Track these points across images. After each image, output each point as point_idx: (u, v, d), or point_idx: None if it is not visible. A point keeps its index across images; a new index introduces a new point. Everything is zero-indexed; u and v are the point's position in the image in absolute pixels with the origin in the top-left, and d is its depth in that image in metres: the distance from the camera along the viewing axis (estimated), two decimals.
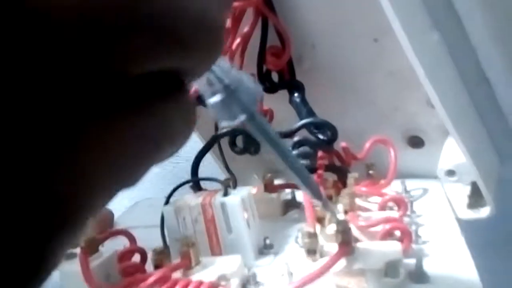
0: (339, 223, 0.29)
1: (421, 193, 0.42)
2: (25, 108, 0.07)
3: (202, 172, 0.42)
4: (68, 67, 0.08)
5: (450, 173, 0.39)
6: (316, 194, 0.26)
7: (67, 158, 0.08)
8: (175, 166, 0.75)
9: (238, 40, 0.41)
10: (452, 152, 0.40)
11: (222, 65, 0.20)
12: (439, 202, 0.40)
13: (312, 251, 0.29)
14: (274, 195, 0.43)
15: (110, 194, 0.10)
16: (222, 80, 0.19)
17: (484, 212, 0.40)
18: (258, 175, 0.54)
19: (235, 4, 0.40)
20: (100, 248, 0.35)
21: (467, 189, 0.41)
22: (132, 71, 0.09)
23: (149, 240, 0.38)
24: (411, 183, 0.43)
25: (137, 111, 0.09)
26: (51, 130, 0.08)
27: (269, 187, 0.43)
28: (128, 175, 0.10)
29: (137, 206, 0.56)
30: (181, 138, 0.11)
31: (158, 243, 0.36)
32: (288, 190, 0.45)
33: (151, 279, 0.28)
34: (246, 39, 0.42)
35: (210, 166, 0.51)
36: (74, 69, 0.08)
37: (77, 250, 0.34)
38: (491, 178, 0.40)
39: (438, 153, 0.43)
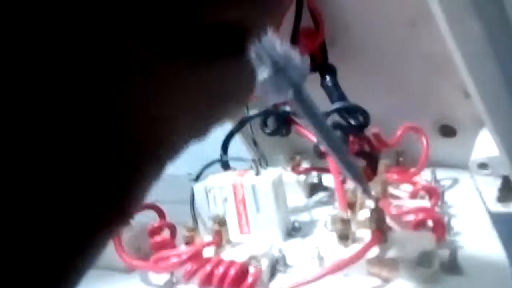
0: (373, 210, 0.29)
1: (451, 183, 0.41)
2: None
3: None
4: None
5: (483, 165, 0.39)
6: (353, 174, 0.26)
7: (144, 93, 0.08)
8: (202, 144, 0.75)
9: None
10: (485, 145, 0.39)
11: (271, 40, 0.19)
12: (470, 193, 0.40)
13: (344, 237, 0.29)
14: (301, 177, 0.43)
15: (183, 143, 0.10)
16: (272, 56, 0.19)
17: None
18: (285, 157, 0.54)
19: None
20: (131, 221, 0.35)
21: (498, 182, 0.41)
22: (208, 18, 0.09)
23: (175, 216, 0.38)
24: (441, 173, 0.42)
25: (208, 63, 0.09)
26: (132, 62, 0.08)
27: (296, 169, 0.43)
28: (198, 127, 0.10)
29: (160, 181, 0.56)
30: (243, 99, 0.11)
31: (184, 219, 0.36)
32: (315, 173, 0.45)
33: (184, 256, 0.28)
34: (279, 19, 0.41)
35: (235, 145, 0.51)
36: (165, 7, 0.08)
37: None
38: None
39: (470, 143, 0.43)
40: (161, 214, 0.36)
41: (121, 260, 0.32)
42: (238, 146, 0.52)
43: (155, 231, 0.33)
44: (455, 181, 0.42)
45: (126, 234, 0.34)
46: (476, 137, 0.43)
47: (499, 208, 0.39)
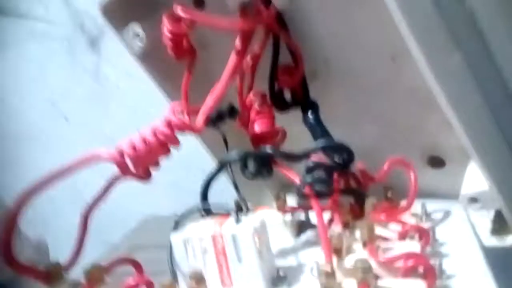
0: (359, 261, 0.27)
1: (442, 216, 0.40)
2: None
3: (215, 185, 0.40)
4: None
5: (473, 200, 0.37)
6: None
7: None
8: (187, 173, 0.74)
9: (248, 59, 0.40)
10: (475, 178, 0.38)
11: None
12: (462, 227, 0.38)
13: None
14: (287, 216, 0.41)
15: None
16: None
17: (510, 240, 0.37)
18: (271, 192, 0.52)
19: (244, 23, 0.38)
20: (106, 277, 0.34)
21: (491, 214, 0.39)
22: None
23: (157, 261, 0.37)
24: (431, 205, 0.41)
25: None
26: None
27: (282, 209, 0.42)
28: None
29: (146, 223, 0.54)
30: None
31: (167, 267, 0.34)
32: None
33: None
34: (256, 59, 0.40)
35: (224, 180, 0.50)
36: None
37: (82, 279, 0.33)
38: None
39: (460, 173, 0.41)
40: (138, 268, 0.34)
41: None
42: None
43: None
44: (447, 214, 0.40)
45: None
46: (466, 166, 0.41)
47: (494, 242, 0.38)
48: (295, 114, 0.42)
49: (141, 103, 0.73)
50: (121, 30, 0.43)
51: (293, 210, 0.42)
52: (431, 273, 0.28)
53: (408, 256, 0.29)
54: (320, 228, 0.32)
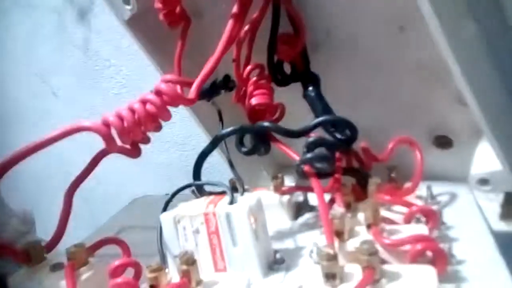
0: (364, 243, 0.25)
1: (449, 199, 0.38)
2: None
3: (209, 164, 0.38)
4: None
5: (483, 181, 0.35)
6: None
7: None
8: (182, 154, 0.71)
9: (246, 27, 0.37)
10: (485, 158, 0.36)
11: None
12: (470, 210, 0.36)
13: (331, 276, 0.25)
14: (284, 197, 0.39)
15: None
16: None
17: None
18: (268, 173, 0.50)
19: None
20: (90, 259, 0.31)
21: (500, 197, 0.37)
22: None
23: (146, 243, 0.34)
24: (437, 187, 0.39)
25: None
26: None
27: (279, 189, 0.39)
28: None
29: (135, 203, 0.52)
30: None
31: (156, 249, 0.32)
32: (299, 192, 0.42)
33: None
34: (255, 26, 0.37)
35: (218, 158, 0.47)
36: None
37: (64, 258, 0.31)
38: None
39: (467, 154, 0.39)
40: (125, 249, 0.32)
41: None
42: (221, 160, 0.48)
43: (117, 271, 0.29)
44: (453, 197, 0.38)
45: (84, 274, 0.30)
46: (474, 147, 0.39)
47: (503, 226, 0.36)
48: (295, 90, 0.39)
49: (132, 79, 0.70)
50: None
51: (291, 190, 0.40)
52: (441, 258, 0.26)
53: (417, 239, 0.27)
54: (321, 208, 0.30)
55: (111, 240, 0.32)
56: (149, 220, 0.38)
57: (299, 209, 0.41)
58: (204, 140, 0.70)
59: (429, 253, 0.27)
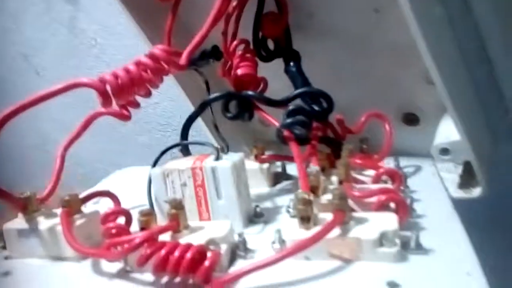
0: (335, 189, 0.28)
1: (414, 170, 0.41)
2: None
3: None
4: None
5: (444, 151, 0.39)
6: None
7: None
8: (163, 135, 0.73)
9: (234, 3, 0.40)
10: (447, 131, 0.39)
11: None
12: (432, 179, 0.40)
13: (306, 219, 0.28)
14: (264, 165, 0.42)
15: None
16: None
17: (476, 192, 0.39)
18: (247, 146, 0.53)
19: None
20: (83, 208, 0.33)
21: (459, 169, 0.41)
22: None
23: (133, 205, 0.37)
24: (404, 161, 0.42)
25: None
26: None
27: (259, 158, 0.42)
28: None
29: (120, 173, 0.54)
30: None
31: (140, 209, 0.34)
32: (279, 162, 0.45)
33: (137, 240, 0.27)
34: (242, 3, 0.40)
35: (197, 135, 0.49)
36: None
37: (58, 210, 0.33)
38: (484, 158, 0.39)
39: (433, 131, 0.43)
40: (115, 200, 0.34)
41: (70, 248, 0.30)
42: (200, 135, 0.51)
43: (109, 218, 0.31)
44: (418, 168, 0.42)
45: (77, 221, 0.32)
46: (438, 125, 0.43)
47: (461, 194, 0.40)
48: (276, 67, 0.42)
49: (118, 58, 0.72)
50: None
51: (270, 159, 0.43)
52: (403, 207, 0.29)
53: (382, 191, 0.30)
54: (297, 162, 0.33)
55: (102, 193, 0.34)
56: (133, 188, 0.40)
57: (277, 177, 0.44)
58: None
59: (392, 205, 0.30)
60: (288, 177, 0.44)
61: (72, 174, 0.81)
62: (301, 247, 0.26)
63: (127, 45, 0.69)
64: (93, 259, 0.31)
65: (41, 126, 0.86)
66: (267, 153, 0.45)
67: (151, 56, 0.34)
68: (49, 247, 0.31)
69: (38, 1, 0.73)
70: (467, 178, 0.40)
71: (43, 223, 0.32)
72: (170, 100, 0.71)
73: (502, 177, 0.43)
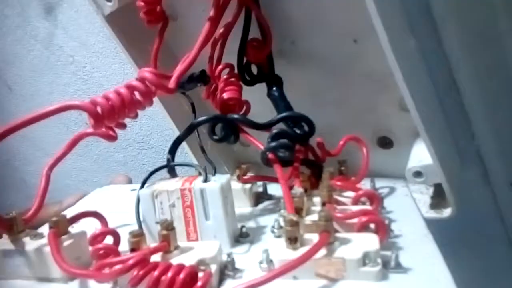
0: (321, 211, 0.29)
1: (388, 191, 0.44)
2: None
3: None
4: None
5: (417, 174, 0.41)
6: None
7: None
8: (139, 152, 0.73)
9: (221, 30, 0.41)
10: (419, 155, 0.42)
11: None
12: (405, 200, 0.42)
13: (293, 239, 0.29)
14: (247, 185, 0.43)
15: None
16: None
17: (446, 212, 0.42)
18: (228, 167, 0.54)
19: None
20: (70, 229, 0.33)
21: (431, 190, 0.43)
22: None
23: (116, 224, 0.37)
24: (379, 182, 0.45)
25: None
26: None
27: (242, 178, 0.43)
28: None
29: (97, 192, 0.54)
30: None
31: (125, 229, 0.35)
32: (259, 183, 0.46)
33: (130, 261, 0.27)
34: (228, 29, 0.42)
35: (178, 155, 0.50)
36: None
37: (44, 230, 0.33)
38: (454, 181, 0.42)
39: (405, 154, 0.45)
40: (102, 221, 0.34)
41: (59, 269, 0.30)
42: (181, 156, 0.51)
43: (97, 239, 0.32)
44: (392, 189, 0.44)
45: (64, 242, 0.32)
46: (411, 149, 0.45)
47: (432, 214, 0.42)
48: (259, 91, 0.44)
49: (95, 76, 0.71)
50: None
51: (252, 179, 0.44)
52: (382, 228, 0.31)
53: (363, 212, 0.32)
54: (282, 185, 0.34)
55: (89, 213, 0.34)
56: (112, 207, 0.40)
57: (259, 197, 0.45)
58: (163, 139, 0.73)
59: (372, 226, 0.32)
60: (270, 197, 0.45)
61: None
62: (290, 267, 0.27)
63: (106, 63, 0.69)
64: (80, 280, 0.31)
65: (9, 142, 0.84)
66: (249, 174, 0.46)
67: (141, 79, 0.35)
68: (36, 268, 0.31)
69: (14, 15, 0.72)
70: (438, 199, 0.43)
71: (30, 244, 0.32)
72: (148, 117, 0.71)
73: (469, 198, 0.45)
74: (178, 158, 0.47)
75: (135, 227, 0.34)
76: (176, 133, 0.49)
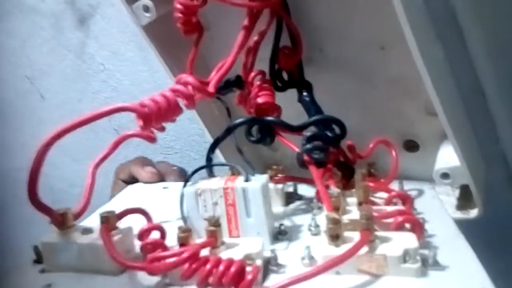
0: (362, 209, 0.31)
1: (417, 194, 0.45)
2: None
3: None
4: None
5: (445, 175, 0.43)
6: None
7: None
8: (165, 157, 0.75)
9: (255, 38, 0.43)
10: (447, 157, 0.43)
11: None
12: (433, 202, 0.43)
13: (335, 237, 0.31)
14: (279, 186, 0.45)
15: None
16: None
17: (473, 213, 0.43)
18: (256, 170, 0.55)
19: (254, 3, 0.42)
20: (118, 225, 0.35)
21: (456, 192, 0.45)
22: None
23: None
24: (406, 185, 0.46)
25: None
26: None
27: (274, 179, 0.45)
28: None
29: (129, 191, 0.55)
30: None
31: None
32: (289, 184, 0.47)
33: (184, 254, 0.29)
34: (262, 37, 0.44)
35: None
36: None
37: (92, 224, 0.35)
38: (480, 182, 0.43)
39: (431, 157, 0.47)
40: (148, 217, 0.36)
41: (111, 261, 0.32)
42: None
43: (145, 234, 0.33)
44: (420, 192, 0.46)
45: (115, 236, 0.34)
46: (436, 151, 0.47)
47: (459, 215, 0.43)
48: (284, 97, 0.45)
49: (124, 84, 0.74)
50: (131, 3, 0.45)
51: (284, 180, 0.45)
52: (419, 227, 0.33)
53: (400, 212, 0.34)
54: (319, 186, 0.36)
55: (136, 210, 0.36)
56: (145, 205, 0.41)
57: (290, 198, 0.46)
58: (188, 144, 0.75)
59: (407, 226, 0.34)
60: (300, 197, 0.46)
61: (69, 194, 0.81)
62: (335, 263, 0.29)
63: (136, 71, 0.72)
64: (130, 273, 0.33)
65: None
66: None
67: (184, 84, 0.37)
68: (86, 261, 0.33)
69: (47, 26, 0.75)
70: (464, 201, 0.44)
71: (82, 238, 0.33)
72: (174, 123, 0.73)
73: (494, 199, 0.47)
74: (201, 160, 0.48)
75: (174, 224, 0.36)
76: (208, 136, 0.51)
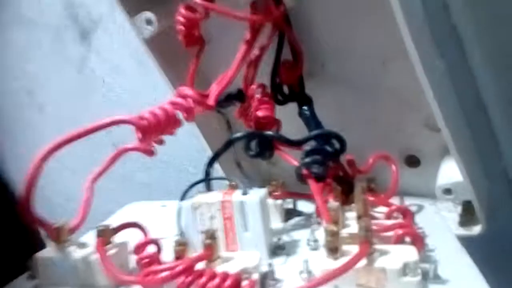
0: (361, 221, 0.30)
1: (417, 209, 0.44)
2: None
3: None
4: None
5: (447, 191, 0.42)
6: None
7: None
8: (163, 172, 0.75)
9: (256, 51, 0.43)
10: (449, 172, 0.43)
11: None
12: (435, 217, 0.43)
13: (334, 249, 0.30)
14: (278, 201, 0.44)
15: None
16: None
17: (476, 230, 0.42)
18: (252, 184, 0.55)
19: (255, 17, 0.42)
20: (112, 239, 0.35)
21: (459, 208, 0.44)
22: None
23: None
24: (407, 200, 0.45)
25: None
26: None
27: (273, 194, 0.44)
28: None
29: (127, 209, 0.55)
30: None
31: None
32: (289, 200, 0.47)
33: (179, 267, 0.28)
34: (263, 51, 0.44)
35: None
36: None
37: (89, 240, 0.34)
38: (483, 198, 0.43)
39: (432, 173, 0.46)
40: (144, 232, 0.35)
41: (105, 276, 0.31)
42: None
43: (141, 248, 0.33)
44: (421, 207, 0.45)
45: (110, 251, 0.33)
46: (438, 167, 0.46)
47: (462, 231, 0.43)
48: (284, 111, 0.45)
49: (124, 97, 0.74)
50: (133, 16, 0.46)
51: (282, 196, 0.45)
52: (419, 240, 0.32)
53: (400, 225, 0.33)
54: (318, 199, 0.35)
55: (131, 224, 0.36)
56: (144, 222, 0.41)
57: (289, 213, 0.46)
58: (187, 159, 0.74)
59: (407, 239, 0.33)
60: (299, 213, 0.46)
61: (65, 209, 0.81)
62: (332, 276, 0.28)
63: (136, 85, 0.72)
64: (125, 287, 0.32)
65: None
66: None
67: (183, 97, 0.37)
68: (82, 275, 0.32)
69: (49, 41, 0.76)
70: (466, 217, 0.43)
71: (77, 252, 0.33)
72: (172, 138, 0.73)
73: (497, 215, 0.46)
74: (199, 174, 0.47)
75: (171, 240, 0.35)
76: (207, 150, 0.51)
